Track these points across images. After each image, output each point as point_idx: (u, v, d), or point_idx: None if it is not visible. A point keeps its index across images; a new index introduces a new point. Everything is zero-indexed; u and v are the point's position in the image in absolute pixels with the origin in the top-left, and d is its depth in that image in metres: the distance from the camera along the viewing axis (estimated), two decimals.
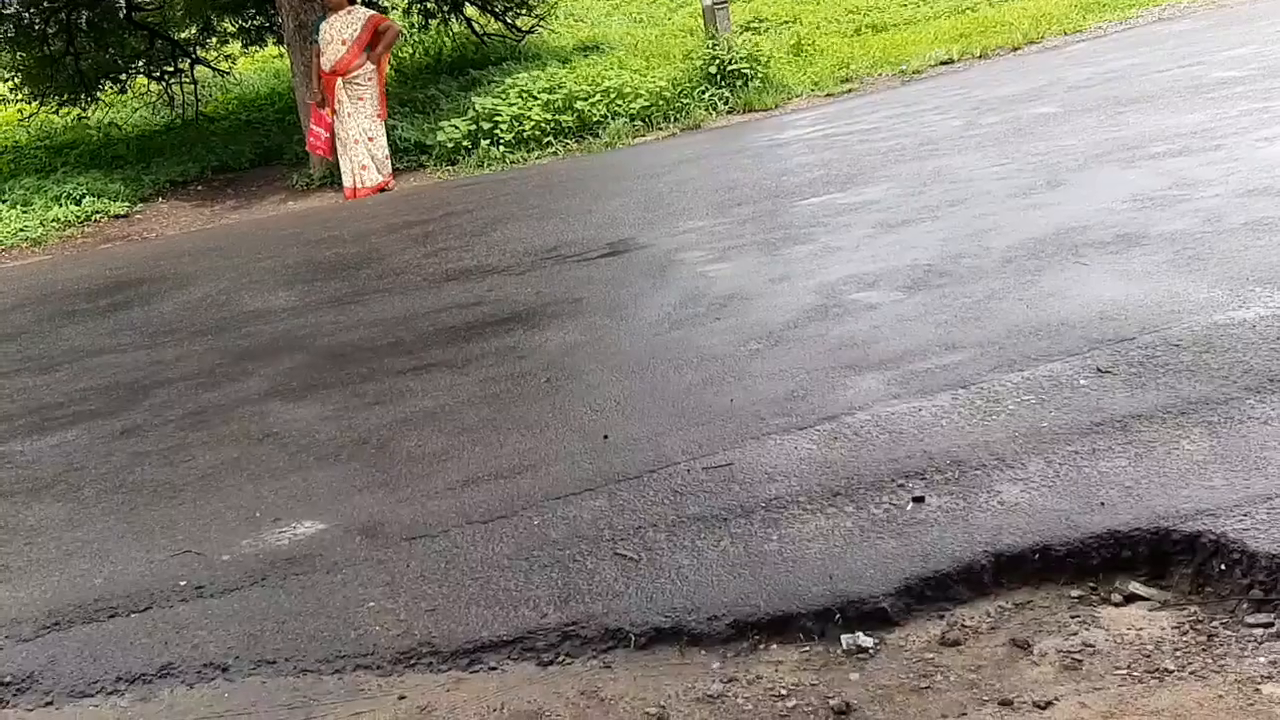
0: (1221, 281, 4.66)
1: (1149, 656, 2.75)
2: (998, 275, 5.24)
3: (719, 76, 12.27)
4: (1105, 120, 8.03)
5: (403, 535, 3.79)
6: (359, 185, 11.30)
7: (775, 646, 2.98)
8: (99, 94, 15.86)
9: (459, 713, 2.91)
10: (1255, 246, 4.96)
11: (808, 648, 2.96)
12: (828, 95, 12.11)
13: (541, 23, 16.81)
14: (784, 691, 2.80)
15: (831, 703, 2.73)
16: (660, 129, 11.74)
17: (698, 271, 6.23)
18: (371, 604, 3.40)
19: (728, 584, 3.19)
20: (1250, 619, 2.81)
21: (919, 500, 3.44)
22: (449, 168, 11.86)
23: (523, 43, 16.36)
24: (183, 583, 3.72)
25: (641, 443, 4.17)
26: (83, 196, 11.98)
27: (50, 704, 3.22)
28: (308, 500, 4.20)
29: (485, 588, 3.38)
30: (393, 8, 16.41)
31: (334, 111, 11.32)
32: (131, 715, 3.13)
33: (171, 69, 16.31)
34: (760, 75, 12.33)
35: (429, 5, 16.72)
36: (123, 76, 16.17)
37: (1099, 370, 4.09)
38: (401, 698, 2.99)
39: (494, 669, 3.06)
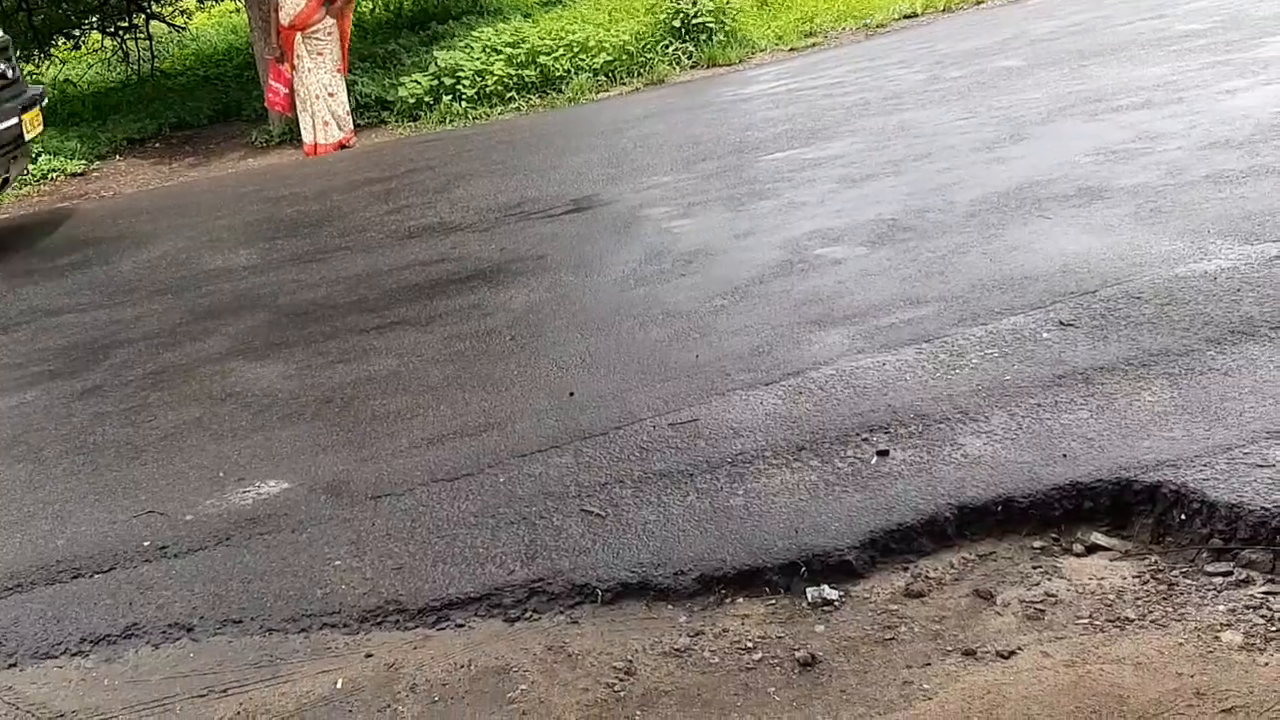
0: (1183, 234, 4.68)
1: (1110, 606, 2.78)
2: (961, 230, 5.25)
3: (683, 30, 12.18)
4: (1068, 74, 8.03)
5: (368, 494, 3.78)
6: (319, 142, 11.19)
7: (741, 600, 3.00)
8: (53, 50, 15.61)
9: (426, 670, 2.91)
10: (1216, 199, 4.99)
11: (774, 601, 2.98)
12: (791, 50, 12.06)
13: None
14: (750, 644, 2.82)
15: (797, 655, 2.75)
16: (624, 84, 11.67)
17: (663, 227, 6.21)
18: (337, 562, 3.40)
19: (694, 539, 3.20)
20: (1210, 568, 2.85)
21: (883, 454, 3.46)
22: (410, 124, 11.75)
23: None
24: (146, 543, 3.70)
25: (607, 400, 4.17)
26: (38, 154, 11.82)
27: (14, 665, 3.21)
28: (271, 459, 4.18)
29: (451, 545, 3.38)
30: None
31: (293, 67, 11.20)
32: (96, 676, 3.12)
33: (126, 25, 16.06)
34: (724, 29, 12.25)
35: None
36: (76, 32, 15.92)
37: (1061, 323, 4.11)
38: (369, 655, 2.99)
39: (461, 626, 3.06)
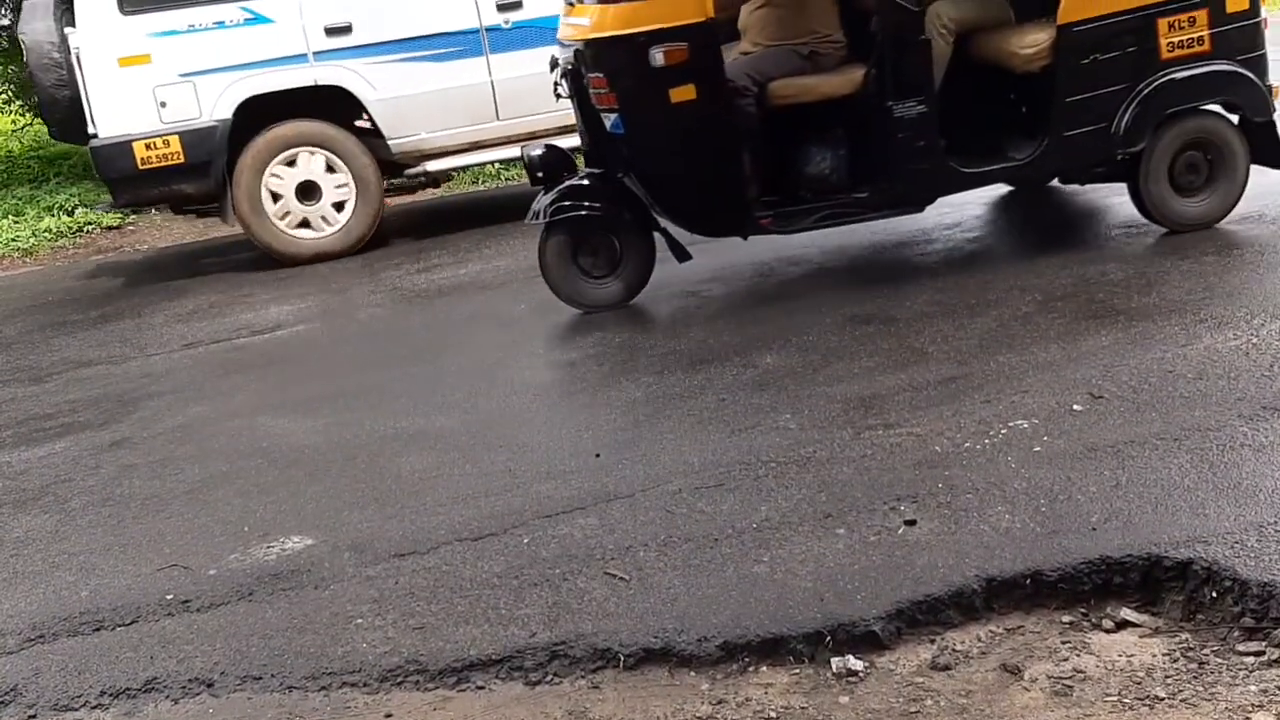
0: (1218, 307, 4.66)
1: (1140, 683, 2.74)
2: (991, 301, 5.24)
3: None
4: None
5: (392, 552, 3.77)
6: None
7: (765, 669, 2.97)
8: None
9: None
10: (1251, 274, 4.97)
11: (798, 670, 2.95)
12: None
13: None
14: (773, 714, 2.79)
15: None
16: None
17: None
18: (359, 621, 3.38)
19: (718, 605, 3.17)
20: (1241, 647, 2.81)
21: (911, 523, 3.43)
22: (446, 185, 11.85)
23: None
24: (169, 596, 3.69)
25: (634, 461, 4.16)
26: (75, 208, 11.94)
27: (34, 717, 3.19)
28: (296, 515, 4.18)
29: (474, 606, 3.36)
30: None
31: None
32: None
33: None
34: None
35: None
36: None
37: (1092, 396, 4.09)
38: (388, 716, 2.97)
39: (481, 688, 3.04)
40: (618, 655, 3.05)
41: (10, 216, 11.83)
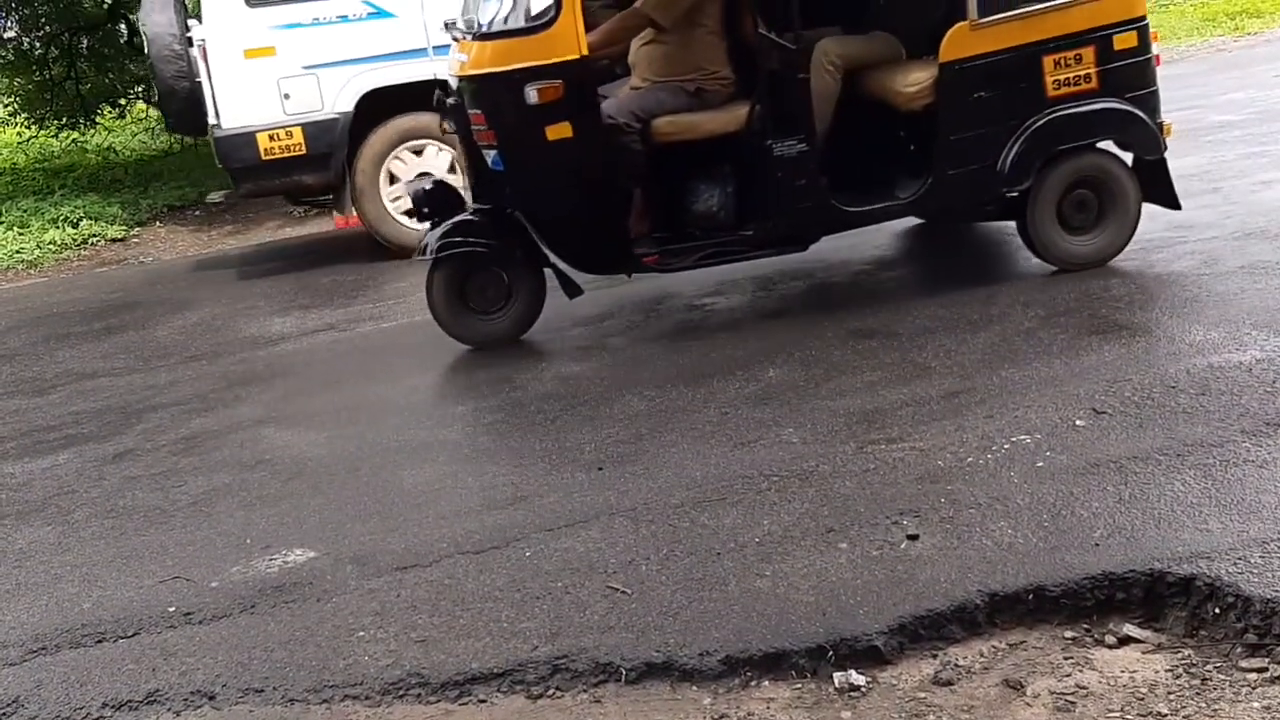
0: (1218, 324, 4.67)
1: (1142, 700, 2.74)
2: (995, 315, 5.25)
3: None
4: None
5: (394, 564, 3.77)
6: (351, 215, 11.28)
7: (767, 683, 2.96)
8: (98, 118, 15.89)
9: None
10: (1252, 290, 4.97)
11: (800, 685, 2.94)
12: None
13: None
14: None
15: None
16: None
17: (693, 303, 6.22)
18: (361, 633, 3.38)
19: (720, 619, 3.17)
20: (1244, 663, 2.80)
21: (913, 538, 3.43)
22: None
23: None
24: (171, 609, 3.69)
25: (636, 475, 4.16)
26: (80, 220, 11.96)
27: None
28: (299, 528, 4.18)
29: (476, 619, 3.36)
30: None
31: None
32: None
33: None
34: None
35: None
36: (122, 101, 16.19)
37: (1095, 411, 4.08)
38: None
39: (483, 701, 3.04)
40: (619, 669, 3.05)
41: (15, 229, 11.86)
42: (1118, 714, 2.69)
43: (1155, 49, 5.69)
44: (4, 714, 3.26)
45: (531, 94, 5.33)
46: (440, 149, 8.44)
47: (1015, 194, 5.53)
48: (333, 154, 8.39)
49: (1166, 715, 2.67)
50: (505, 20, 5.59)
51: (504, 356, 5.84)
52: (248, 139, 8.29)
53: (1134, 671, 2.85)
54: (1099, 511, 3.41)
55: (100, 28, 15.27)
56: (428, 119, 8.02)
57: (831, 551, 3.43)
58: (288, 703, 3.14)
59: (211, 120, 8.39)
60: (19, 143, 16.09)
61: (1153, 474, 3.58)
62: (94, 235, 11.75)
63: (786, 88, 5.49)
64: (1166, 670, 2.85)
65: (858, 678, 2.93)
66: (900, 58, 5.94)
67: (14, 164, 15.56)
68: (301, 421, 5.32)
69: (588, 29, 5.44)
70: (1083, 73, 5.46)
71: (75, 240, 11.58)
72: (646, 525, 3.77)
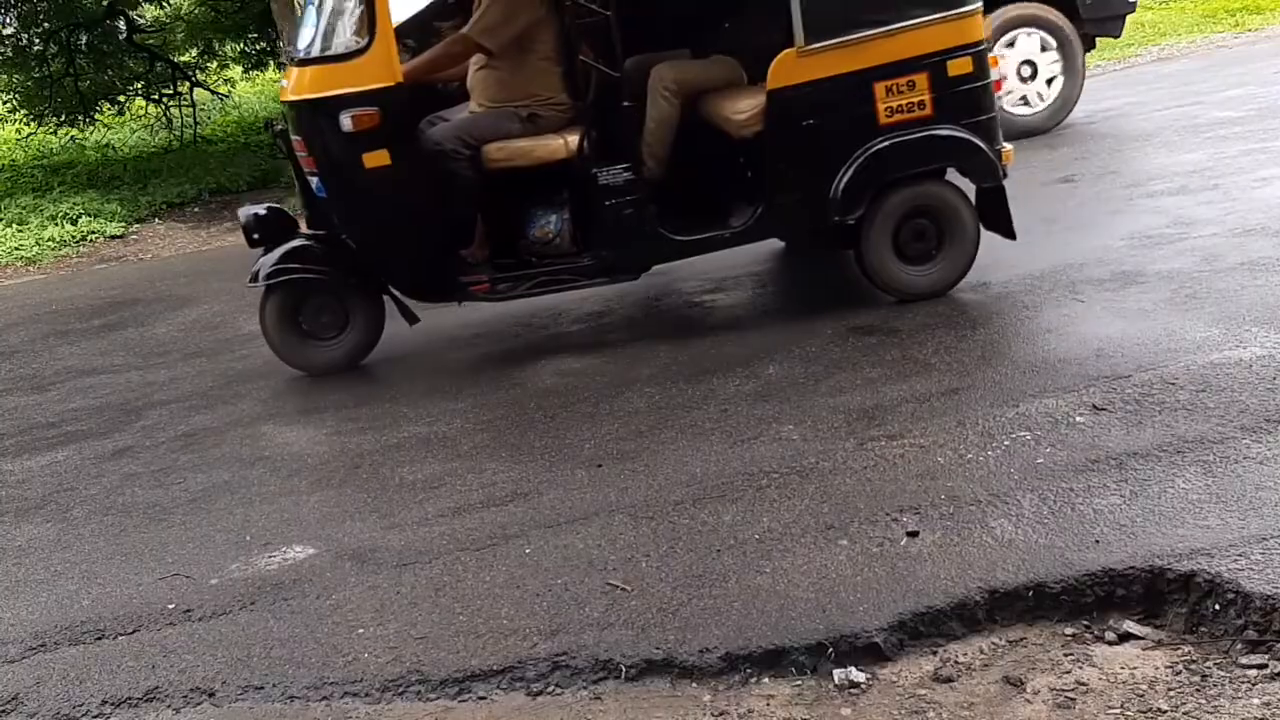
0: (1218, 321, 4.66)
1: (1142, 696, 2.73)
2: (995, 311, 5.25)
3: None
4: (1103, 158, 8.05)
5: (394, 561, 3.77)
6: None
7: (767, 680, 2.96)
8: (97, 115, 15.88)
9: None
10: (1252, 286, 4.97)
11: (800, 682, 2.94)
12: None
13: None
14: None
15: None
16: None
17: (693, 301, 6.22)
18: (361, 630, 3.38)
19: (720, 616, 3.17)
20: (1244, 660, 2.80)
21: (913, 535, 3.43)
22: None
23: None
24: (171, 606, 3.69)
25: (636, 472, 4.15)
26: (79, 216, 11.96)
27: None
28: (299, 524, 4.18)
29: (476, 616, 3.36)
30: None
31: None
32: None
33: (171, 91, 16.31)
34: None
35: None
36: (121, 98, 16.17)
37: (1095, 407, 4.08)
38: None
39: (483, 698, 3.04)
40: (619, 666, 3.05)
41: (14, 225, 11.86)
42: (1118, 710, 2.69)
43: (995, 74, 5.56)
44: (4, 711, 3.26)
45: (346, 121, 5.28)
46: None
47: (848, 223, 5.42)
48: None
49: (1166, 711, 2.67)
50: (321, 46, 5.53)
51: (503, 354, 5.85)
52: None
53: (1134, 668, 2.85)
54: (1099, 508, 3.41)
55: (99, 24, 15.25)
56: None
57: (831, 548, 3.43)
58: (288, 700, 3.14)
59: None
60: (18, 140, 16.08)
61: (1153, 471, 3.58)
62: (93, 232, 11.75)
63: (612, 115, 5.44)
64: (1166, 667, 2.85)
65: (858, 675, 2.93)
66: (741, 82, 5.85)
67: (13, 161, 15.55)
68: (301, 418, 5.32)
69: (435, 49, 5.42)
70: (916, 99, 5.32)
71: (74, 237, 11.57)
72: (646, 522, 3.77)
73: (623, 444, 4.44)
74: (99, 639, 3.57)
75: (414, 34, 6.25)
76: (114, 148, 15.96)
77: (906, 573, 3.24)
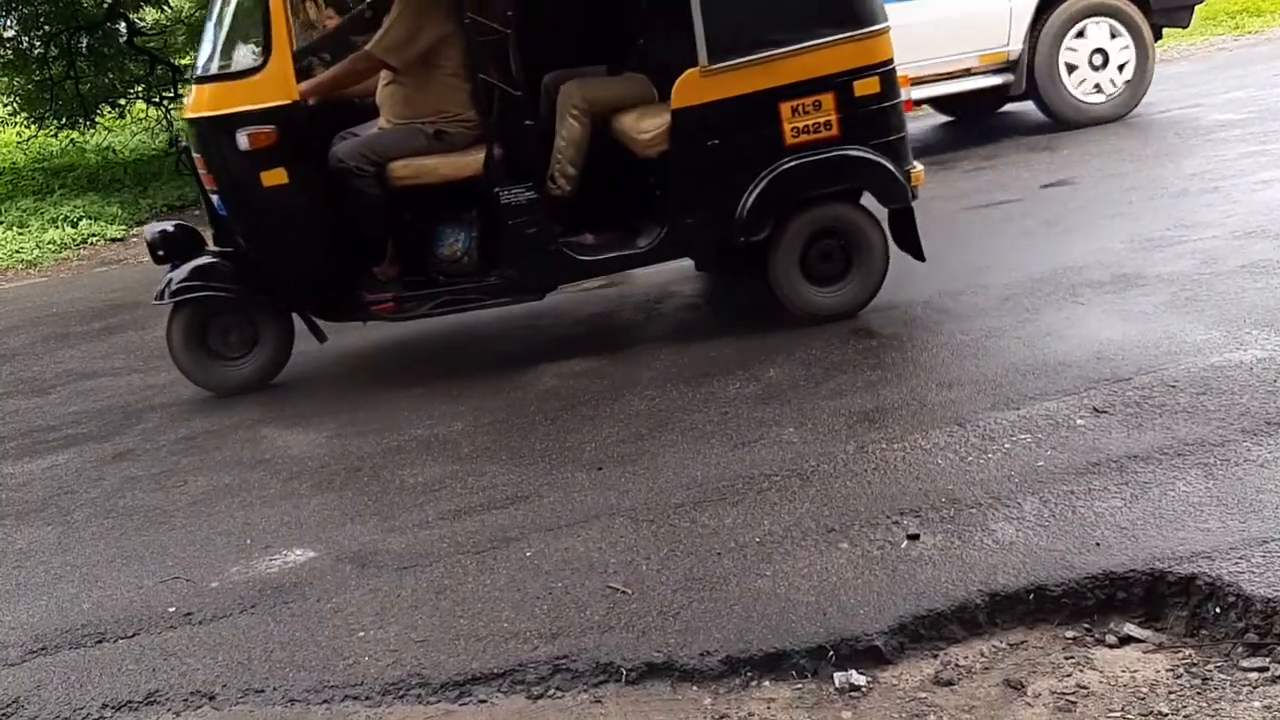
0: (1219, 323, 4.66)
1: (1143, 699, 2.73)
2: (995, 313, 5.24)
3: None
4: (1105, 161, 8.05)
5: (395, 565, 3.76)
6: None
7: (768, 683, 2.96)
8: (97, 118, 15.89)
9: None
10: (1252, 289, 4.97)
11: (800, 685, 2.94)
12: None
13: None
14: None
15: None
16: None
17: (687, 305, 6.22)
18: (361, 634, 3.38)
19: (720, 619, 3.17)
20: (1245, 663, 2.80)
21: (914, 538, 3.43)
22: None
23: None
24: (171, 609, 3.69)
25: (636, 475, 4.15)
26: (79, 219, 11.97)
27: None
28: (299, 528, 4.18)
29: (476, 619, 3.36)
30: None
31: None
32: None
33: (171, 94, 16.33)
34: None
35: None
36: (122, 101, 16.20)
37: (1095, 410, 4.08)
38: None
39: (483, 701, 3.04)
40: (620, 669, 3.05)
41: (14, 228, 11.86)
42: (1118, 714, 2.69)
43: (906, 94, 5.53)
44: (4, 714, 3.26)
45: (243, 140, 5.24)
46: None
47: (755, 243, 5.38)
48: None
49: (1167, 715, 2.67)
50: (219, 64, 5.51)
51: (504, 356, 5.85)
52: None
53: (1135, 671, 2.85)
54: (1100, 511, 3.41)
55: (100, 27, 15.27)
56: None
57: (832, 551, 3.43)
58: (288, 703, 3.14)
59: None
60: (18, 142, 16.10)
61: (1153, 473, 3.58)
62: (93, 235, 11.76)
63: (513, 134, 5.39)
64: (1167, 670, 2.84)
65: (858, 678, 2.92)
66: (653, 100, 5.79)
67: (13, 164, 15.56)
68: (301, 421, 5.32)
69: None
70: (823, 120, 5.28)
71: (75, 240, 11.58)
72: (647, 525, 3.77)
73: (623, 447, 4.44)
74: (99, 642, 3.57)
75: (330, 48, 6.20)
76: (114, 151, 15.98)
77: (907, 576, 3.24)
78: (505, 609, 3.39)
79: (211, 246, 5.84)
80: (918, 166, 5.54)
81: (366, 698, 3.10)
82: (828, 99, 5.28)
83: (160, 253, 5.79)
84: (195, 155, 5.59)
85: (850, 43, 5.29)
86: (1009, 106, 10.22)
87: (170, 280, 5.63)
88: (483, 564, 3.68)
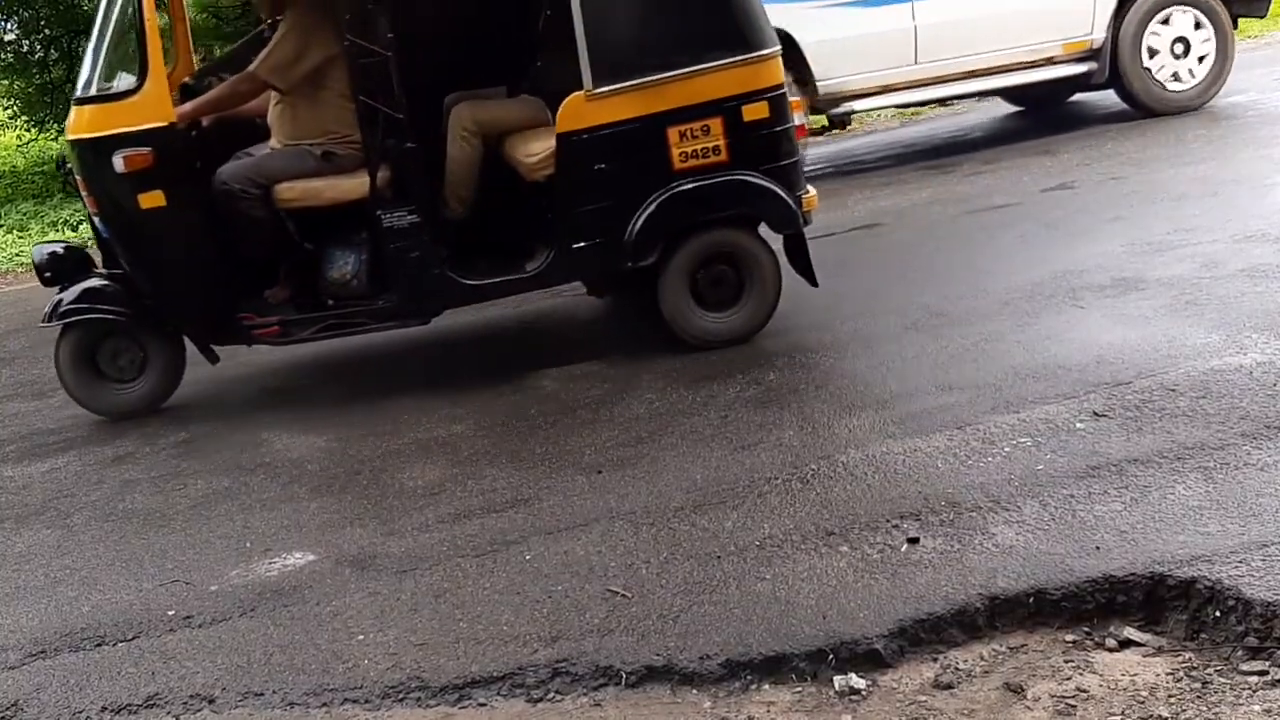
0: (1218, 327, 4.66)
1: (1143, 703, 2.73)
2: (995, 317, 5.24)
3: None
4: (1106, 165, 8.05)
5: (394, 568, 3.76)
6: None
7: (768, 687, 2.96)
8: None
9: None
10: (1252, 293, 4.97)
11: (800, 688, 2.94)
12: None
13: None
14: None
15: None
16: None
17: None
18: (361, 637, 3.38)
19: (720, 623, 3.17)
20: (1245, 666, 2.80)
21: (914, 541, 3.43)
22: None
23: None
24: (171, 612, 3.69)
25: (636, 478, 4.15)
26: (79, 223, 11.96)
27: None
28: (299, 531, 4.18)
29: (476, 622, 3.36)
30: None
31: None
32: None
33: None
34: None
35: None
36: None
37: (1095, 414, 4.08)
38: None
39: (483, 705, 3.04)
40: (620, 673, 3.05)
41: (14, 231, 11.87)
42: (1118, 717, 2.69)
43: (798, 119, 5.44)
44: (3, 717, 3.26)
45: (119, 162, 5.17)
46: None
47: (644, 268, 5.32)
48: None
49: (1167, 718, 2.67)
50: (97, 86, 5.46)
51: (504, 359, 5.85)
52: None
53: (1135, 675, 2.85)
54: (1100, 514, 3.41)
55: None
56: None
57: (832, 555, 3.43)
58: (287, 706, 3.14)
59: None
60: (18, 146, 16.12)
61: (1153, 477, 3.58)
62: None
63: (394, 157, 5.32)
64: (1167, 673, 2.84)
65: (858, 681, 2.92)
66: (546, 122, 5.66)
67: (13, 167, 15.58)
68: (301, 424, 5.32)
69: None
70: (711, 144, 5.21)
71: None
72: (647, 528, 3.77)
73: (623, 450, 4.44)
74: (99, 645, 3.57)
75: (230, 69, 6.08)
76: None
77: (907, 579, 3.24)
78: (505, 612, 3.39)
79: (100, 269, 5.76)
80: (810, 191, 5.48)
81: (366, 701, 3.10)
82: (716, 124, 5.21)
83: (48, 274, 5.71)
84: (77, 177, 5.54)
85: (739, 67, 5.22)
86: (1078, 96, 10.35)
87: (59, 302, 5.56)
88: (482, 567, 3.68)
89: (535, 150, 5.41)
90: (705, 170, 5.25)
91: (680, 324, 5.44)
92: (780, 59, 5.39)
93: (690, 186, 5.25)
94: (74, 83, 14.70)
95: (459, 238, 5.64)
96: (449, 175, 5.66)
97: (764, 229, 5.50)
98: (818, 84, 8.95)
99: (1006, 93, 10.27)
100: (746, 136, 5.24)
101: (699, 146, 5.22)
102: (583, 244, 5.33)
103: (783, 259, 5.52)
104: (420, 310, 5.55)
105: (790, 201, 5.31)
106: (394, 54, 5.19)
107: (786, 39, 8.46)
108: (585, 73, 5.18)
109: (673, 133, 5.21)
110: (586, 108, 5.22)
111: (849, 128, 10.80)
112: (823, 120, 9.33)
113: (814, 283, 5.53)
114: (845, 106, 9.20)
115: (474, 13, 6.14)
